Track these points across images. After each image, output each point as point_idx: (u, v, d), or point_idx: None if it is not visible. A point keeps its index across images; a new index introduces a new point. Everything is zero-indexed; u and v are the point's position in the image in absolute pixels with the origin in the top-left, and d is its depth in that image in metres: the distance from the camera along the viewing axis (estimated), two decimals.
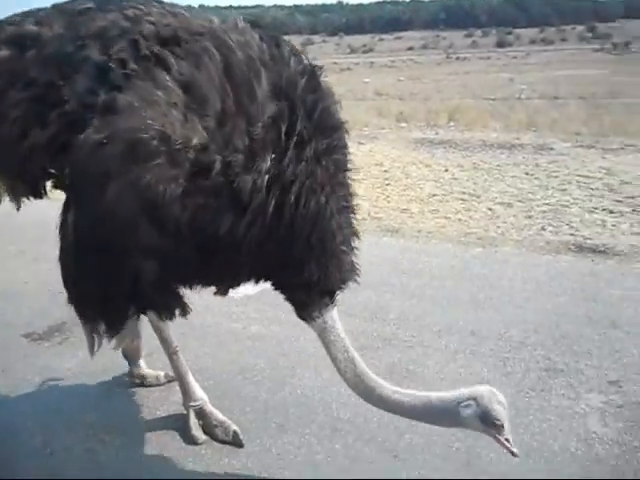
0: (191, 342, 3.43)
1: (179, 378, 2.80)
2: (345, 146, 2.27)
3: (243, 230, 2.04)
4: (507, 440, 2.05)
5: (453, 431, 2.61)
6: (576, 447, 2.57)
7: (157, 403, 3.01)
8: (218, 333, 3.65)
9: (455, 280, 4.34)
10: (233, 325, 3.78)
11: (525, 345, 3.42)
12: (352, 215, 2.30)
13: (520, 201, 6.44)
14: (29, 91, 2.11)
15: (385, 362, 3.26)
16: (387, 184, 7.39)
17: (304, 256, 2.15)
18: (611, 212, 6.00)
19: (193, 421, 2.73)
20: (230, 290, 2.51)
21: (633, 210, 5.99)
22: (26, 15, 2.35)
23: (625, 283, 4.21)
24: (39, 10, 2.40)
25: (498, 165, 8.18)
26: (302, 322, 2.38)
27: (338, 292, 2.31)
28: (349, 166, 2.29)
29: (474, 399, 2.08)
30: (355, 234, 2.31)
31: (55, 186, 2.39)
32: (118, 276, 2.09)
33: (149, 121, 1.92)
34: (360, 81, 28.42)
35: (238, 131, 1.98)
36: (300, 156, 2.05)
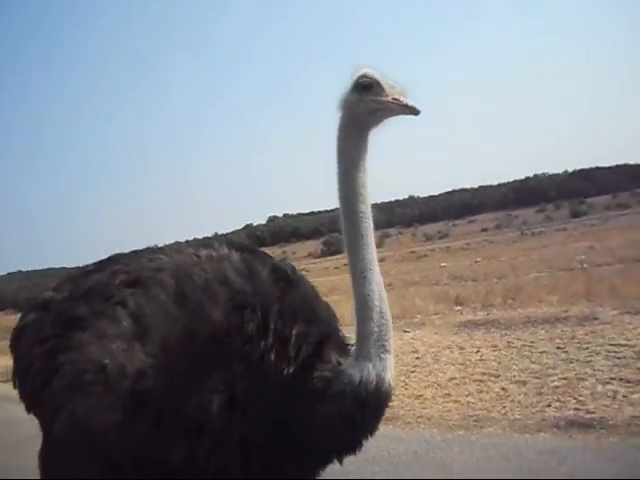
0: None
1: None
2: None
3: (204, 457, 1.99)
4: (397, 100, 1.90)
5: None
6: None
7: None
8: None
9: (409, 465, 4.40)
10: None
11: None
12: None
13: (537, 377, 6.30)
14: (45, 346, 2.36)
15: None
16: (412, 372, 7.48)
17: None
18: (628, 382, 5.78)
19: None
20: None
21: None
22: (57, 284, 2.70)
23: (570, 460, 4.06)
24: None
25: (532, 342, 8.06)
26: None
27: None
28: None
29: None
30: None
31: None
32: None
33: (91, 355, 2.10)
34: (437, 266, 28.40)
35: (184, 355, 2.03)
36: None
